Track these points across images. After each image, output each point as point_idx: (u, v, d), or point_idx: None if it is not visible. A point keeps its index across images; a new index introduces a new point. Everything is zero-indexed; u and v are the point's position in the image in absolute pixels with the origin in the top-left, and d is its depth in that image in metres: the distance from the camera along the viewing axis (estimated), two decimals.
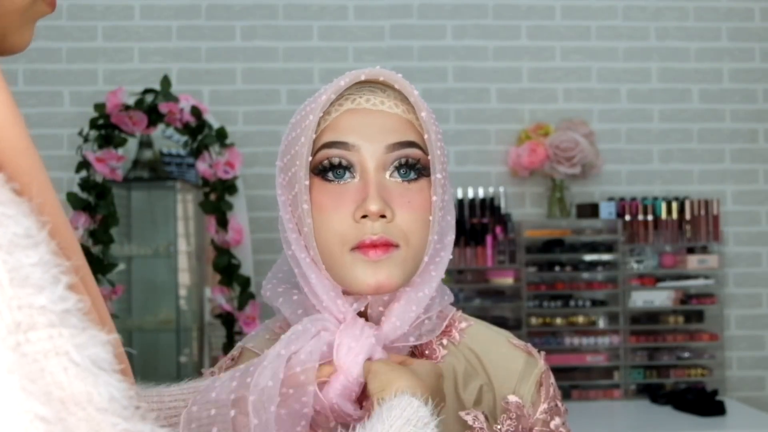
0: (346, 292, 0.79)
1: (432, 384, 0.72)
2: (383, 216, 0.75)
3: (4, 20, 0.48)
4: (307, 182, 0.77)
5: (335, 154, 0.77)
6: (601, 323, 3.06)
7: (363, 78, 0.79)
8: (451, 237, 0.84)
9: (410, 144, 0.78)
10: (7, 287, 0.37)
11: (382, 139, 0.77)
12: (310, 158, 0.77)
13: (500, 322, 2.88)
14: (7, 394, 0.36)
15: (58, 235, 0.43)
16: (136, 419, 0.40)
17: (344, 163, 0.77)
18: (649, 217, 3.07)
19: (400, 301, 0.79)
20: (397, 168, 0.78)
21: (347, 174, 0.77)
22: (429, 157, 0.79)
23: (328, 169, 0.77)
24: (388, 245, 0.75)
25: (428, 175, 0.79)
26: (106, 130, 2.66)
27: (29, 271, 0.38)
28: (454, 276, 3.00)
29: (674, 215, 3.08)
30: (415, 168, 0.79)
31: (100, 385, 0.38)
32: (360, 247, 0.75)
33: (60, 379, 0.37)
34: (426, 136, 0.79)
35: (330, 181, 0.77)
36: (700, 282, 3.09)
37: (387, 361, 0.73)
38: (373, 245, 0.75)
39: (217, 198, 2.69)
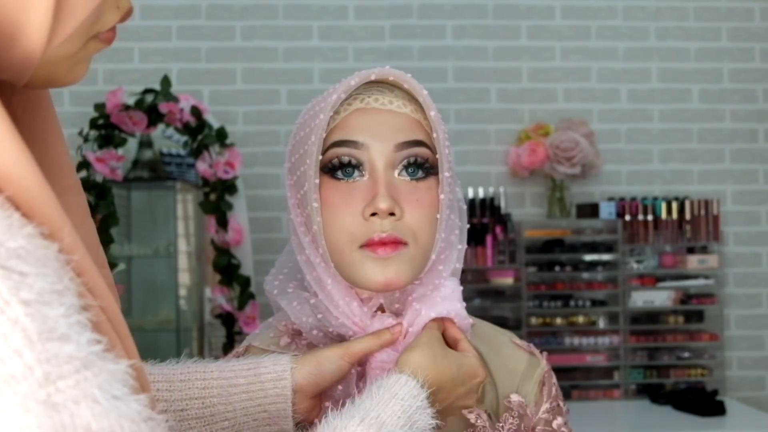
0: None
1: (451, 376, 0.74)
2: (392, 214, 0.76)
3: (53, 67, 0.49)
4: (317, 180, 0.78)
5: (345, 153, 0.78)
6: (601, 323, 3.06)
7: (373, 78, 0.79)
8: (458, 236, 0.84)
9: (418, 143, 0.79)
10: (36, 342, 0.39)
11: (391, 138, 0.78)
12: (320, 157, 0.78)
13: (500, 322, 2.87)
14: None
15: (85, 275, 0.45)
16: None
17: (354, 161, 0.78)
18: (649, 217, 3.07)
19: (414, 295, 0.81)
20: (406, 167, 0.79)
21: (356, 172, 0.78)
22: (437, 156, 0.80)
23: (337, 167, 0.78)
24: (397, 243, 0.76)
25: (436, 173, 0.80)
26: (106, 130, 2.66)
27: (55, 324, 0.40)
28: None
29: (674, 215, 3.08)
30: (423, 167, 0.79)
31: (122, 417, 0.41)
32: (369, 244, 0.76)
33: (87, 421, 0.40)
34: (435, 135, 0.79)
35: (339, 179, 0.78)
36: (700, 282, 3.09)
37: (434, 333, 0.76)
38: (382, 243, 0.76)
39: (217, 198, 2.69)
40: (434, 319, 0.78)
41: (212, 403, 0.75)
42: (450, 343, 0.79)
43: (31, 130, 0.52)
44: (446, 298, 0.79)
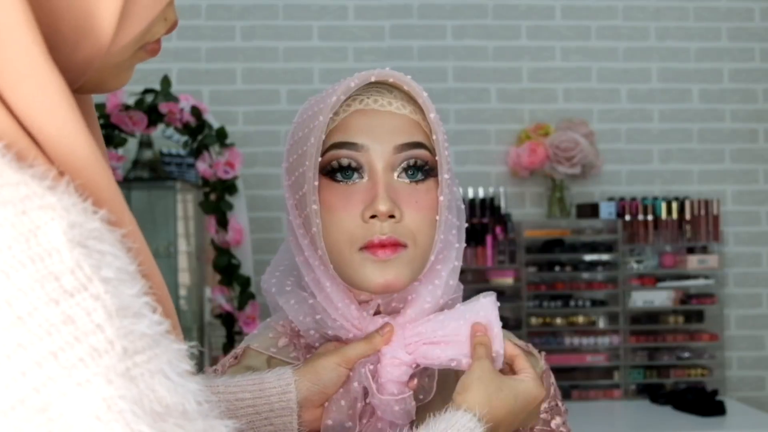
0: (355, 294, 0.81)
1: (509, 409, 0.73)
2: (392, 216, 0.76)
3: (102, 73, 0.51)
4: (317, 183, 0.77)
5: (344, 155, 0.77)
6: (601, 323, 3.06)
7: (373, 79, 0.79)
8: (456, 236, 0.84)
9: (418, 145, 0.79)
10: (116, 318, 0.42)
11: (391, 140, 0.78)
12: (319, 159, 0.78)
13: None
14: (119, 417, 0.40)
15: (143, 263, 0.48)
16: (212, 417, 0.46)
17: (353, 164, 0.77)
18: (649, 217, 3.07)
19: (413, 296, 0.80)
20: (405, 169, 0.78)
21: (356, 175, 0.78)
22: (437, 158, 0.80)
23: (336, 169, 0.78)
24: (396, 245, 0.76)
25: (435, 175, 0.80)
26: (106, 130, 2.66)
27: (130, 302, 0.43)
28: None
29: (674, 215, 3.08)
30: (422, 169, 0.79)
31: (188, 393, 0.44)
32: (369, 246, 0.76)
33: (161, 395, 0.42)
34: (434, 137, 0.79)
35: (338, 181, 0.78)
36: (700, 282, 3.09)
37: (485, 365, 0.74)
38: (382, 245, 0.76)
39: (217, 198, 2.69)
40: (481, 342, 0.76)
41: None
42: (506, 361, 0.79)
43: None
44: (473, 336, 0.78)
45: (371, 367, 0.79)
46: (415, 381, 0.80)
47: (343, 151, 0.77)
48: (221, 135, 2.71)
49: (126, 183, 2.94)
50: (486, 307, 0.79)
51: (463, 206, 0.86)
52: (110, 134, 2.67)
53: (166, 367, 0.43)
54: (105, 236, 0.43)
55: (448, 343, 0.78)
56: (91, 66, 0.49)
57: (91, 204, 0.44)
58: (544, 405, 0.85)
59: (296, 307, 0.83)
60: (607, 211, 3.04)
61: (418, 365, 0.79)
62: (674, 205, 3.09)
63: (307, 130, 0.79)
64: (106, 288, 0.41)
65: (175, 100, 2.66)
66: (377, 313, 0.81)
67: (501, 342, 0.79)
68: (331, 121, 0.79)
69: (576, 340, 3.01)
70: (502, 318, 0.78)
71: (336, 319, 0.79)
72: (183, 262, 3.11)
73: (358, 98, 0.79)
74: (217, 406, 0.47)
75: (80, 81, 0.50)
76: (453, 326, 0.78)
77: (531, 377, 0.76)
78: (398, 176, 0.78)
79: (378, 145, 0.77)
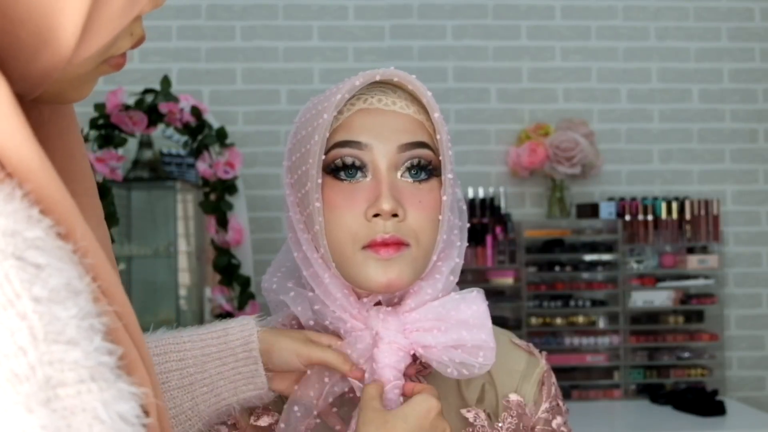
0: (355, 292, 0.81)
1: (405, 429, 0.72)
2: (395, 215, 0.76)
3: (62, 84, 0.49)
4: (320, 180, 0.78)
5: (348, 153, 0.78)
6: (601, 323, 3.06)
7: (378, 78, 0.79)
8: (457, 235, 0.84)
9: (422, 144, 0.79)
10: (41, 343, 0.37)
11: (395, 139, 0.78)
12: (323, 157, 0.78)
13: (500, 322, 2.87)
14: None
15: (100, 279, 0.44)
16: None
17: (357, 162, 0.78)
18: (649, 217, 3.07)
19: (414, 288, 0.81)
20: (409, 168, 0.79)
21: (359, 173, 0.78)
22: (440, 158, 0.80)
23: (340, 168, 0.78)
24: (399, 244, 0.76)
25: (438, 175, 0.80)
26: (106, 130, 2.66)
27: (65, 325, 0.38)
28: None
29: (674, 215, 3.08)
30: (426, 169, 0.79)
31: None
32: (371, 245, 0.76)
33: None
34: (438, 137, 0.79)
35: (342, 180, 0.78)
36: (700, 282, 3.09)
37: (366, 410, 0.74)
38: (385, 244, 0.76)
39: (217, 198, 2.69)
40: (369, 386, 0.76)
41: (189, 373, 0.78)
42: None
43: (56, 134, 0.54)
44: (465, 324, 0.78)
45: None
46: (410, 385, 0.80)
47: (347, 150, 0.78)
48: (221, 135, 2.71)
49: (126, 183, 2.94)
50: (477, 300, 0.80)
51: (464, 207, 0.86)
52: (110, 134, 2.67)
53: (100, 406, 0.38)
54: (47, 246, 0.39)
55: (439, 329, 0.78)
56: (51, 76, 0.47)
57: (39, 213, 0.40)
58: (545, 405, 0.86)
59: (297, 300, 0.83)
60: (607, 211, 3.04)
61: (414, 354, 0.80)
62: (674, 205, 3.09)
63: (310, 129, 0.79)
64: (35, 307, 0.37)
65: (175, 100, 2.66)
66: (377, 303, 0.82)
67: (492, 334, 0.79)
68: (335, 119, 0.79)
69: (576, 340, 3.01)
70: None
71: (334, 310, 0.80)
72: (183, 262, 3.11)
73: (362, 97, 0.80)
74: None
75: (38, 91, 0.48)
76: (445, 312, 0.79)
77: (420, 397, 0.75)
78: (401, 175, 0.79)
79: (382, 144, 0.78)
